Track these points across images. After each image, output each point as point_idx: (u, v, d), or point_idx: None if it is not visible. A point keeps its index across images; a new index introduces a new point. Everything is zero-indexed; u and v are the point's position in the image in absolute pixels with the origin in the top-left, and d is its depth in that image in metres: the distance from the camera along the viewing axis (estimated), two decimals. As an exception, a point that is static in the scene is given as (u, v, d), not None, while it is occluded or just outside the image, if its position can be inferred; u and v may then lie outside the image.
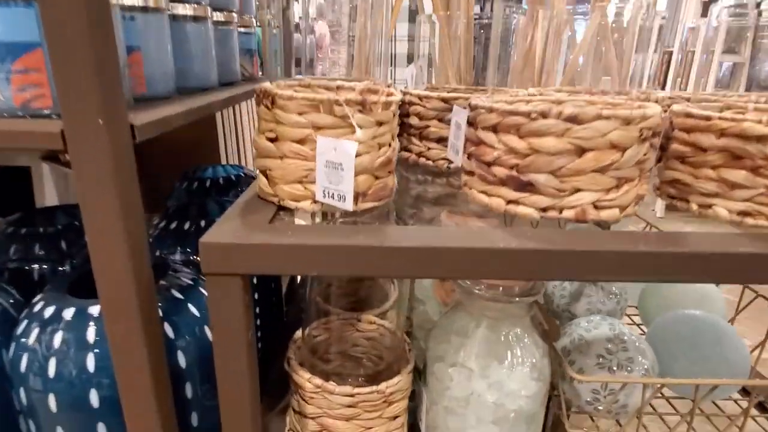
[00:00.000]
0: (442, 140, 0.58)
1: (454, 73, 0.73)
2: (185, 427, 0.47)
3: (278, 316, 0.70)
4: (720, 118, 0.40)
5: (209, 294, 0.35)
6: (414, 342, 0.62)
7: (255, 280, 0.65)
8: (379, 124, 0.42)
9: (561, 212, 0.39)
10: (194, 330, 0.45)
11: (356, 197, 0.42)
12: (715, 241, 0.37)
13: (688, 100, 0.57)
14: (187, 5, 0.56)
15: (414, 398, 0.54)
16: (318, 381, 0.46)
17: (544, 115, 0.38)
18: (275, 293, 0.72)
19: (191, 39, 0.57)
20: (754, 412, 0.60)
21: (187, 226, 0.62)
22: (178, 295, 0.46)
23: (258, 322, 0.67)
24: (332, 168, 0.39)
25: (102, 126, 0.29)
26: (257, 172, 0.44)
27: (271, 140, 0.41)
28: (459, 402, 0.47)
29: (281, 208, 0.43)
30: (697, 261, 0.35)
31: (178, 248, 0.61)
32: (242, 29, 0.82)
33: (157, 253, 0.60)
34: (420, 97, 0.58)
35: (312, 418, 0.48)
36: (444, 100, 0.56)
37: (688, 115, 0.43)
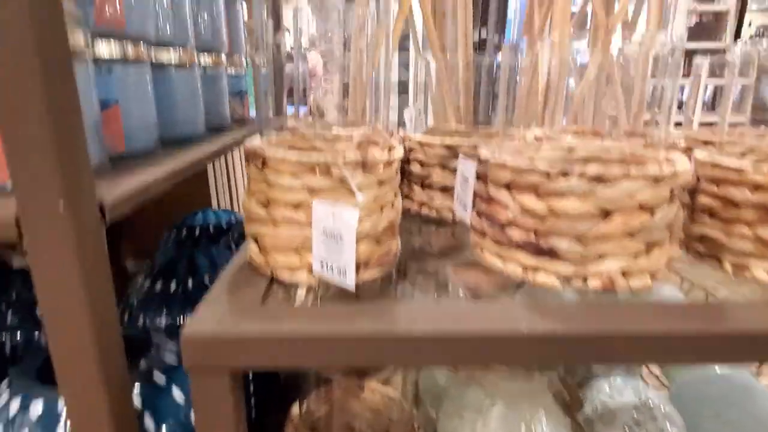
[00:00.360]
0: (446, 189, 0.54)
1: (453, 111, 0.70)
2: None
3: (274, 378, 0.64)
4: (754, 171, 0.37)
5: (192, 392, 0.31)
6: (421, 408, 0.57)
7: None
8: (381, 183, 0.38)
9: (585, 281, 0.35)
10: (180, 418, 0.40)
11: (358, 267, 0.38)
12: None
13: (705, 142, 0.54)
14: (171, 51, 0.53)
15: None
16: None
17: (564, 174, 0.34)
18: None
19: (176, 87, 0.54)
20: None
21: (173, 286, 0.57)
22: (161, 380, 0.41)
23: (251, 388, 0.61)
24: (330, 238, 0.35)
25: (63, 210, 0.25)
26: (248, 237, 0.40)
27: (263, 204, 0.37)
28: (475, 486, 0.42)
29: (275, 280, 0.38)
30: (752, 342, 0.31)
31: (164, 311, 0.56)
32: (232, 70, 0.79)
33: (141, 320, 0.55)
34: (421, 143, 0.55)
35: None
36: (447, 146, 0.53)
37: (716, 166, 0.40)
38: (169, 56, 0.52)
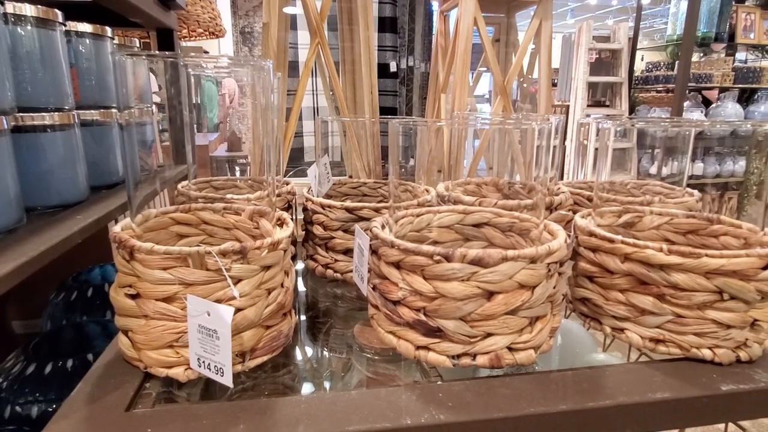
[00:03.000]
0: (349, 251, 0.54)
1: (363, 166, 0.70)
2: None
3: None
4: (623, 242, 0.39)
5: None
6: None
7: None
8: (266, 268, 0.36)
9: (474, 359, 0.36)
10: None
11: (243, 355, 0.36)
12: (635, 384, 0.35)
13: (588, 192, 0.58)
14: (45, 115, 0.48)
15: None
16: None
17: (448, 258, 0.34)
18: None
19: (47, 152, 0.49)
20: None
21: (49, 368, 0.51)
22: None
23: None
24: (206, 335, 0.32)
25: None
26: (120, 334, 0.36)
27: (132, 297, 0.34)
28: None
29: (149, 375, 0.35)
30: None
31: (37, 396, 0.49)
32: (138, 120, 0.74)
33: (8, 410, 0.48)
34: (323, 206, 0.54)
35: None
36: (348, 210, 0.52)
37: (592, 234, 0.42)
38: (37, 120, 0.48)
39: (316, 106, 2.01)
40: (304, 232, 0.59)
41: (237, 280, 0.33)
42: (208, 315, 0.32)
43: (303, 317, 0.58)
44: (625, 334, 0.40)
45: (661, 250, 0.37)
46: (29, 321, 0.94)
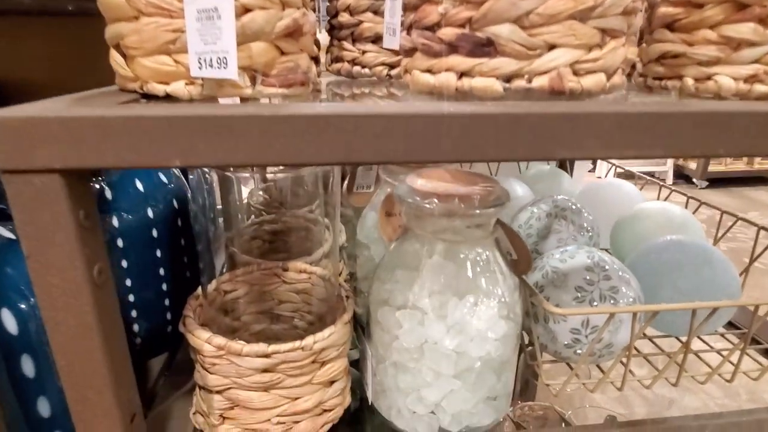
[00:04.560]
0: (378, 40, 0.47)
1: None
2: (31, 416, 0.34)
3: (193, 282, 0.57)
4: (721, -41, 0.31)
5: (13, 211, 0.23)
6: (360, 296, 0.51)
7: (157, 233, 0.51)
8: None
9: (531, 81, 0.29)
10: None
11: (253, 77, 0.30)
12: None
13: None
14: None
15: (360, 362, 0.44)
16: (220, 340, 0.35)
17: (503, -63, 0.27)
18: (187, 251, 0.58)
19: None
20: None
21: None
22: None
23: (164, 287, 0.53)
24: (206, 19, 0.27)
25: None
26: (110, 48, 0.31)
27: (121, -6, 0.29)
28: (411, 354, 0.37)
29: (147, 97, 0.30)
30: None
31: None
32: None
33: None
34: (348, -13, 0.47)
35: (218, 392, 0.36)
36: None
37: (679, -33, 0.34)
38: None
39: None
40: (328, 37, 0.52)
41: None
42: (208, -9, 0.26)
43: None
44: (713, 81, 0.33)
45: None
46: None
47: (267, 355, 0.34)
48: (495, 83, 0.29)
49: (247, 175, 0.59)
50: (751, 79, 0.32)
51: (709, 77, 0.33)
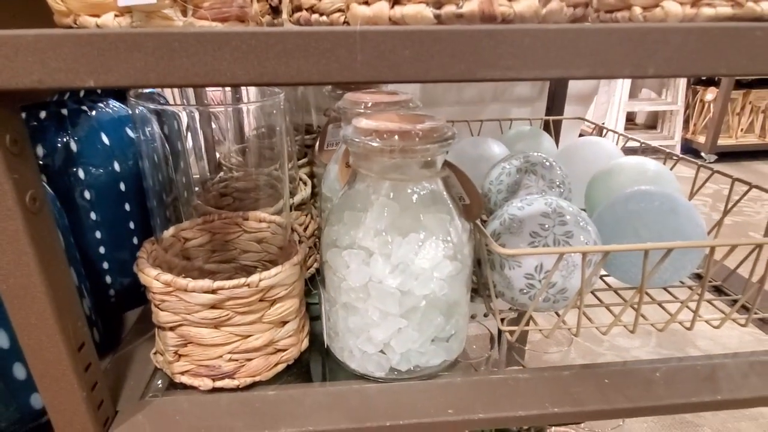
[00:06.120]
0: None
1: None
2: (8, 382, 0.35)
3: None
4: None
5: None
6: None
7: (125, 186, 0.52)
8: None
9: (461, 6, 0.29)
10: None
11: (183, 9, 0.30)
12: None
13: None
14: None
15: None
16: (167, 277, 0.35)
17: None
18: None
19: None
20: (708, 296, 0.53)
21: None
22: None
23: (135, 241, 0.54)
24: (125, -58, 0.26)
25: None
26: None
27: None
28: (357, 294, 0.37)
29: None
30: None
31: None
32: None
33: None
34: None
35: (171, 329, 0.37)
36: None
37: None
38: None
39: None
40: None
41: None
42: None
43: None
44: (660, 7, 0.32)
45: None
46: None
47: (213, 291, 0.35)
48: (425, 9, 0.29)
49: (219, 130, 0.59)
50: (698, 2, 0.31)
51: (656, 4, 0.33)
